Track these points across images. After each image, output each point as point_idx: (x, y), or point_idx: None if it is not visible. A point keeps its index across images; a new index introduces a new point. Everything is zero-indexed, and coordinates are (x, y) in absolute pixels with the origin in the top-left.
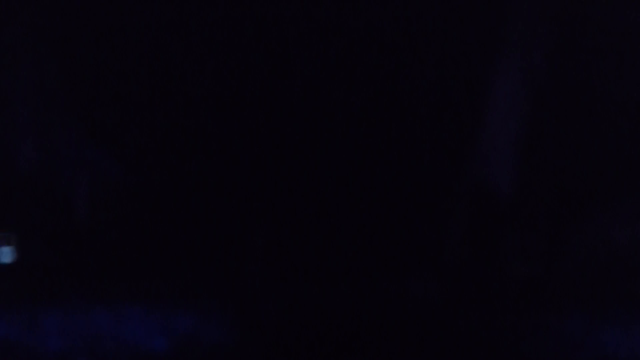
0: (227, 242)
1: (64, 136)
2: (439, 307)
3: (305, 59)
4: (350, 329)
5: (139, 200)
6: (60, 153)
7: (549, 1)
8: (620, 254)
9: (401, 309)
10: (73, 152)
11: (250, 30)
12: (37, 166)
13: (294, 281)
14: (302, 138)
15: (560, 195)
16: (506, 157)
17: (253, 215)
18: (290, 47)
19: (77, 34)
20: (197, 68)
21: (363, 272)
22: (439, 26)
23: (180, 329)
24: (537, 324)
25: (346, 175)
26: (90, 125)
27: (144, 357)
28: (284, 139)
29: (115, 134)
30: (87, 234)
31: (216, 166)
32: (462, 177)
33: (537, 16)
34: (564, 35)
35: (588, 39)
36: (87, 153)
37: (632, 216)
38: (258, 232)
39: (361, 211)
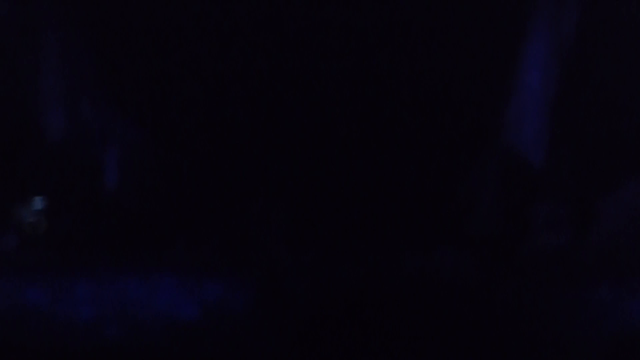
0: (255, 212)
1: (93, 105)
2: (467, 279)
3: (333, 28)
4: (379, 300)
5: (169, 169)
6: (89, 122)
7: None
8: None
9: (429, 280)
10: (102, 122)
11: (274, 12)
12: (66, 136)
13: (322, 252)
14: (327, 110)
15: (590, 164)
16: (536, 126)
17: (281, 186)
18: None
19: (105, 2)
20: (224, 41)
21: (391, 243)
22: None
23: (211, 298)
24: (566, 295)
25: (373, 145)
26: (119, 95)
27: (175, 325)
28: (310, 110)
29: (144, 103)
30: (117, 202)
31: (245, 136)
32: (492, 147)
33: None
34: (595, 3)
35: (619, 6)
36: (117, 122)
37: None
38: (286, 202)
39: (388, 182)
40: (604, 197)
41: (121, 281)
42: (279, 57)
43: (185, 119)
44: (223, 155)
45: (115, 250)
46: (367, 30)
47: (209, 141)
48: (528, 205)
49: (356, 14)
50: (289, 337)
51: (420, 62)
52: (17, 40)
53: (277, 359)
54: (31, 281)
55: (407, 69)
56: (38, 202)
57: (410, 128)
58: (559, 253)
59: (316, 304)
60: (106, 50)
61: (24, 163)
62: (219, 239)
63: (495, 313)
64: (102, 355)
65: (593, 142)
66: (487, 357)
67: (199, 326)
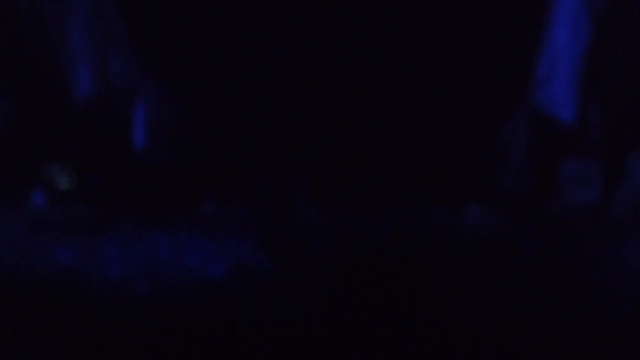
0: (281, 170)
1: (122, 65)
2: (495, 234)
3: None
4: (406, 255)
5: (196, 128)
6: (118, 82)
7: None
8: None
9: (458, 235)
10: (131, 81)
11: None
12: (95, 95)
13: (349, 208)
14: (357, 67)
15: (620, 121)
16: (566, 83)
17: (309, 144)
18: None
19: None
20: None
21: (420, 199)
22: None
23: (237, 255)
24: (594, 250)
25: (403, 102)
26: (148, 54)
27: (202, 282)
28: (339, 65)
29: (172, 63)
30: (145, 162)
31: (272, 96)
32: (522, 104)
33: None
34: None
35: None
36: (145, 82)
37: None
38: (314, 160)
39: (418, 138)
40: (634, 153)
41: (149, 239)
42: (305, 14)
43: (213, 78)
44: (250, 115)
45: (143, 209)
46: None
47: (237, 102)
48: (558, 161)
49: None
50: (316, 293)
51: (453, 21)
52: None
53: (303, 315)
54: (61, 239)
55: (439, 26)
56: (65, 183)
57: (441, 85)
58: (588, 209)
59: (343, 260)
60: (134, 8)
61: (54, 121)
62: (245, 197)
63: (523, 268)
64: (130, 311)
65: (623, 99)
66: (513, 310)
67: (226, 283)
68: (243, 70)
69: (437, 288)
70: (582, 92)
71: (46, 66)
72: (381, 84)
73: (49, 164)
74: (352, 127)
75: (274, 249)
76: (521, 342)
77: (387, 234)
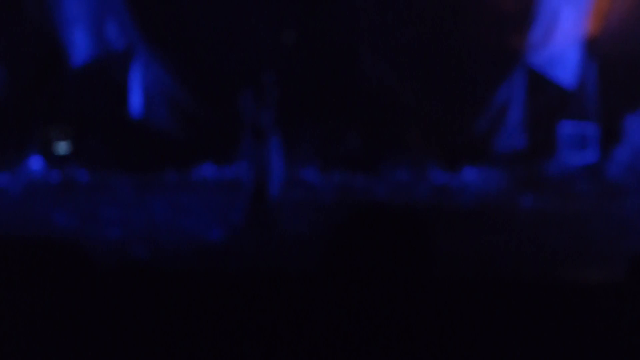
0: (282, 132)
1: (118, 29)
2: (494, 195)
3: None
4: (404, 216)
5: (194, 91)
6: (115, 46)
7: None
8: None
9: (455, 196)
10: (128, 46)
11: None
12: (92, 60)
13: (347, 170)
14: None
15: (616, 83)
16: (564, 44)
17: (309, 109)
18: None
19: None
20: None
21: (418, 161)
22: None
23: (234, 219)
24: (592, 210)
25: (402, 68)
26: (143, 19)
27: (200, 246)
28: (343, 27)
29: (166, 27)
30: (142, 125)
31: (268, 59)
32: (520, 65)
33: None
34: None
35: None
36: (140, 46)
37: None
38: (315, 124)
39: (416, 101)
40: (629, 115)
41: (147, 203)
42: None
43: (209, 41)
44: (249, 76)
45: (141, 173)
46: None
47: (233, 64)
48: (555, 123)
49: None
50: (316, 253)
51: None
52: None
53: (301, 276)
54: (60, 203)
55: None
56: (62, 147)
57: (438, 49)
58: (586, 170)
59: (340, 219)
60: None
61: (51, 86)
62: (244, 160)
63: (520, 228)
64: (128, 275)
65: (619, 61)
66: (511, 270)
67: (224, 246)
68: (239, 31)
69: (434, 248)
70: (580, 54)
71: (43, 31)
72: (380, 49)
73: (47, 128)
74: (352, 90)
75: (265, 212)
76: (517, 300)
77: (385, 194)
